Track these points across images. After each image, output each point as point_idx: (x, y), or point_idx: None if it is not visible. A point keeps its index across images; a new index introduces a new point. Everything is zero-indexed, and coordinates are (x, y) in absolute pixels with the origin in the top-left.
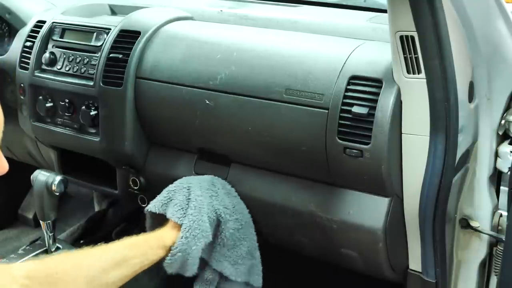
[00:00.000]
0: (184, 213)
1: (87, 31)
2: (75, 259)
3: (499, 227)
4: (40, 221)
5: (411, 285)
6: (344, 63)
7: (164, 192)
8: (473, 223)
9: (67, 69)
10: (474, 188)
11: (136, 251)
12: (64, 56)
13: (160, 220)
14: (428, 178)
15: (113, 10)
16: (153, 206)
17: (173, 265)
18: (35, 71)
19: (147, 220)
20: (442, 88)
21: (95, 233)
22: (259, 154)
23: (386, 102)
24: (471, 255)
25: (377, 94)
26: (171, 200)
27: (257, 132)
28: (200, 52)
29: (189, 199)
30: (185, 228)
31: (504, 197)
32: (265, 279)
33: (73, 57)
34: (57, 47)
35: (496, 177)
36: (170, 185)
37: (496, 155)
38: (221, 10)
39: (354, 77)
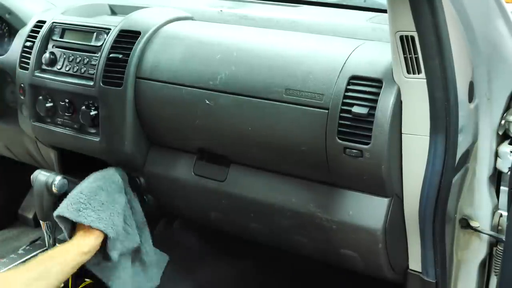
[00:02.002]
0: (98, 216)
1: (87, 31)
2: None
3: (499, 227)
4: (40, 221)
5: (411, 285)
6: (344, 63)
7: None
8: (473, 223)
9: (67, 69)
10: (474, 188)
11: (55, 261)
12: (64, 56)
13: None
14: (428, 178)
15: (113, 10)
16: (64, 211)
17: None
18: (35, 71)
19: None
20: (442, 88)
21: None
22: (259, 154)
23: (386, 102)
24: (471, 255)
25: (377, 94)
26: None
27: (256, 132)
28: (200, 52)
29: (102, 202)
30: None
31: (504, 197)
32: (266, 280)
33: (73, 57)
34: (57, 47)
35: (496, 177)
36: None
37: (496, 155)
38: (221, 10)
39: (354, 77)
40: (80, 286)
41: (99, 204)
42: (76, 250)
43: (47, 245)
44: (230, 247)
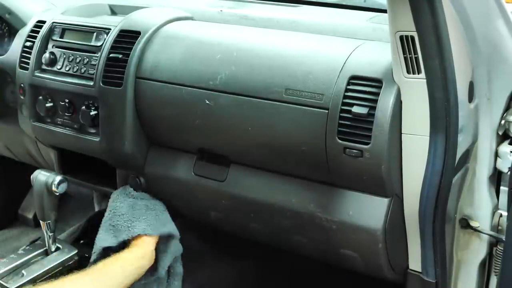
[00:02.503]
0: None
1: (87, 31)
2: None
3: (499, 227)
4: (40, 221)
5: (411, 285)
6: (344, 63)
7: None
8: (473, 223)
9: (67, 69)
10: (474, 188)
11: (115, 266)
12: (64, 56)
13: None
14: (428, 178)
15: (113, 10)
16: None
17: None
18: (35, 71)
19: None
20: (442, 88)
21: (95, 233)
22: (259, 155)
23: (386, 102)
24: (471, 255)
25: (377, 94)
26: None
27: (256, 132)
28: (200, 52)
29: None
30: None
31: (504, 197)
32: (266, 280)
33: (73, 57)
34: (57, 47)
35: (496, 177)
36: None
37: (496, 155)
38: (221, 10)
39: (354, 77)
40: None
41: (140, 214)
42: (133, 255)
43: (47, 245)
44: (230, 247)
